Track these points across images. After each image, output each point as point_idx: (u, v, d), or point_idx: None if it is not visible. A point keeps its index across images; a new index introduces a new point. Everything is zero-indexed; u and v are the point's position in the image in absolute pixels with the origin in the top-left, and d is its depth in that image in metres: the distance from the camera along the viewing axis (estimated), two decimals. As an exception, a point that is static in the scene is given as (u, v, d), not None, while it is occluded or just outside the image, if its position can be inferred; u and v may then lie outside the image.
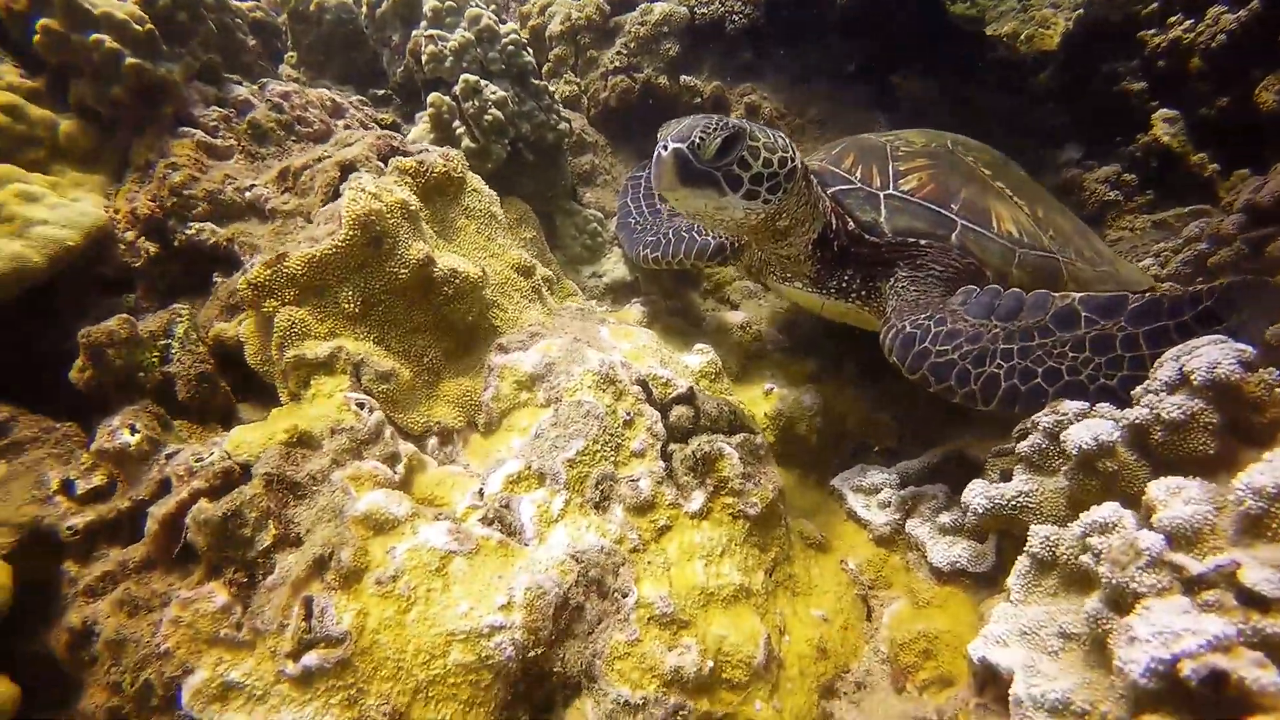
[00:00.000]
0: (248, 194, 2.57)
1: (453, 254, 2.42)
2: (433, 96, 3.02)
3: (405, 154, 2.57)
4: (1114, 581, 1.50)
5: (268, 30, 3.55)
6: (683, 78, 3.77)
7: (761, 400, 3.04)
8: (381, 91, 3.61)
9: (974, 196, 2.65)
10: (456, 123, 3.03)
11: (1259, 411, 1.81)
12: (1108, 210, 3.77)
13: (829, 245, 2.56)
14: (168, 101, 2.65)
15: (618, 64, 3.78)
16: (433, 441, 2.30)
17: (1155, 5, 3.87)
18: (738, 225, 2.34)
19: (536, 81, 3.22)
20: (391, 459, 2.11)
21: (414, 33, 3.14)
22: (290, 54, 3.62)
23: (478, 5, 3.11)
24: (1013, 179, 2.89)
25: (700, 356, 2.87)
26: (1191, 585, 1.44)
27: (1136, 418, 1.87)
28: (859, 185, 2.66)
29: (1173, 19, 3.79)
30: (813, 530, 2.59)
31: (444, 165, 2.52)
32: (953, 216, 2.58)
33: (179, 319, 2.33)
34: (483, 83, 3.02)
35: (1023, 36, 4.72)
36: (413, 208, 2.29)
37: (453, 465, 2.26)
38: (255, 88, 2.92)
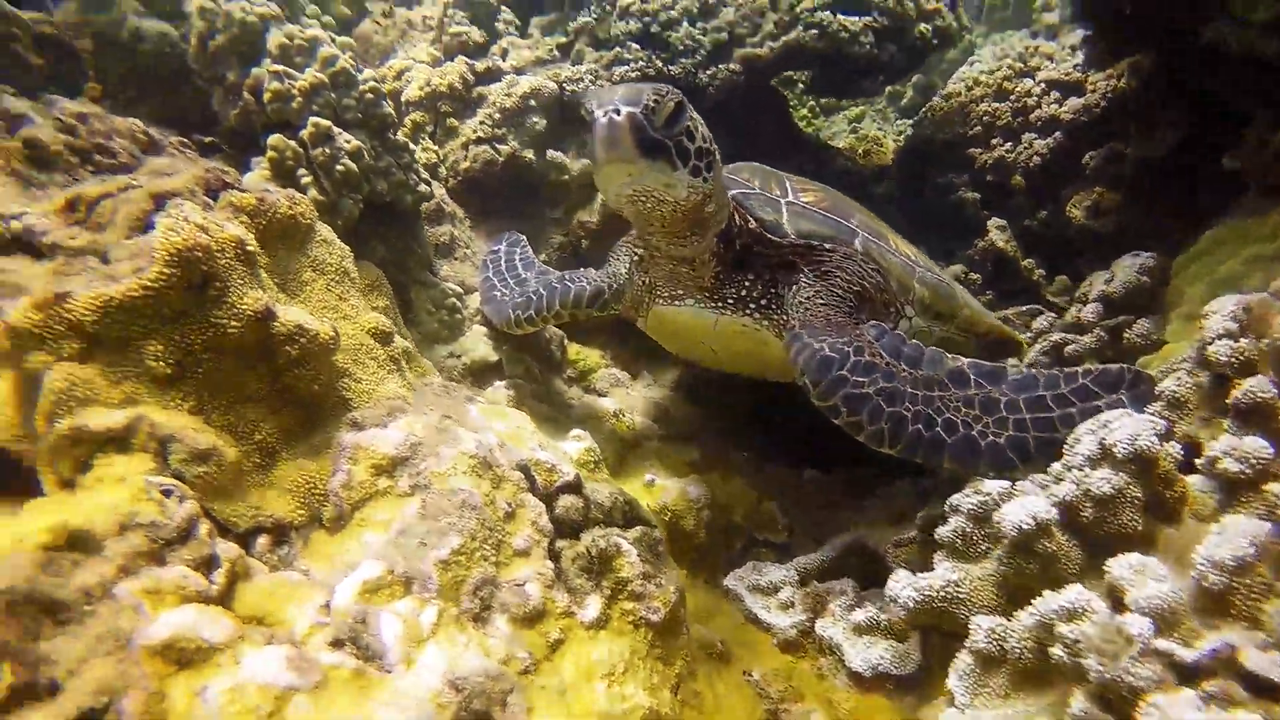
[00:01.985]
0: (13, 223, 2.01)
1: (299, 308, 1.99)
2: (274, 139, 2.61)
3: (241, 191, 2.14)
4: (1105, 676, 1.33)
5: (61, 51, 2.99)
6: (549, 153, 3.60)
7: (644, 493, 2.76)
8: (208, 139, 3.12)
9: (869, 221, 2.69)
10: (302, 171, 2.64)
11: (1168, 486, 1.79)
12: (955, 308, 3.97)
13: (731, 244, 2.39)
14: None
15: (481, 134, 3.56)
16: (262, 540, 1.79)
17: (979, 129, 4.26)
18: (671, 211, 2.14)
19: (396, 137, 2.90)
20: (207, 564, 1.59)
21: (256, 70, 2.75)
22: (91, 85, 3.06)
23: (331, 47, 2.78)
24: (891, 228, 2.98)
25: (577, 443, 2.55)
26: (1186, 675, 1.30)
27: (1067, 495, 1.79)
28: (759, 191, 2.59)
29: (995, 140, 4.18)
30: (712, 637, 2.29)
31: (289, 207, 2.11)
32: (854, 227, 2.57)
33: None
34: (335, 129, 2.67)
35: (860, 151, 5.07)
36: (250, 248, 1.86)
37: (289, 571, 1.76)
38: (39, 104, 2.38)
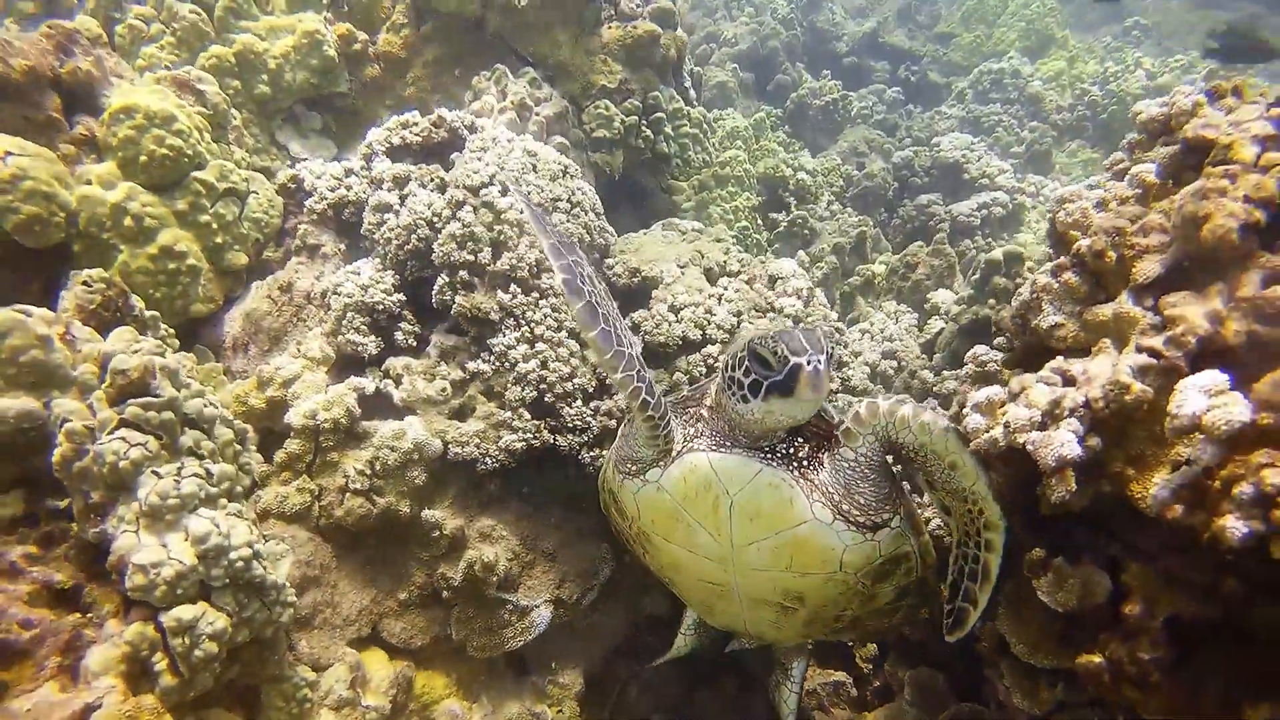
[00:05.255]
0: None
1: None
2: (132, 632, 2.64)
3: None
4: None
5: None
6: (425, 513, 3.70)
7: None
8: (64, 503, 3.05)
9: None
10: (158, 657, 2.69)
11: None
12: None
13: None
14: None
15: (359, 485, 3.60)
16: None
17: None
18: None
19: (264, 575, 2.96)
20: None
21: (120, 539, 2.72)
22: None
23: (203, 518, 2.79)
24: None
25: None
26: None
27: None
28: None
29: None
30: None
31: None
32: None
33: None
34: (199, 615, 2.71)
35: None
36: None
37: None
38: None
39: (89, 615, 2.85)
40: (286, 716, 3.28)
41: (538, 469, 3.97)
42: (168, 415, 2.90)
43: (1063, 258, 2.45)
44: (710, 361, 3.92)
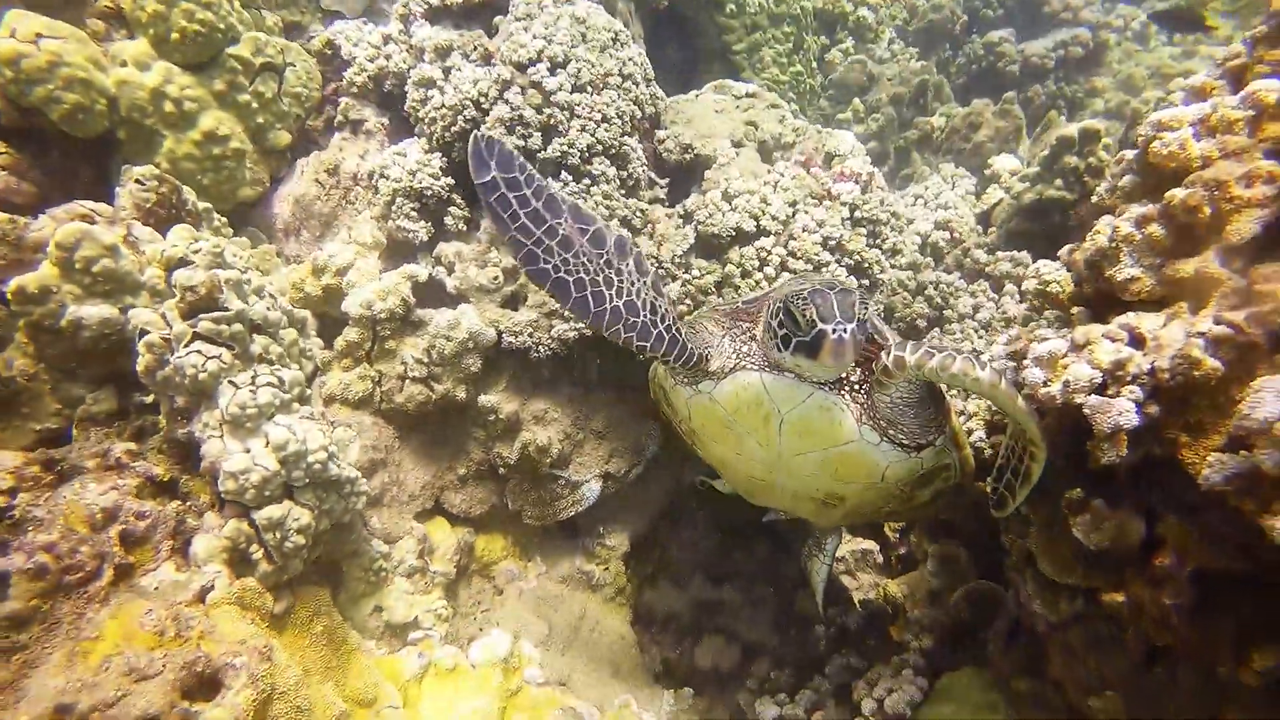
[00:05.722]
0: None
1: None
2: (230, 528, 2.91)
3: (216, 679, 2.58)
4: None
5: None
6: (480, 398, 3.86)
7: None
8: (150, 398, 3.25)
9: None
10: (254, 548, 2.97)
11: None
12: None
13: None
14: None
15: (417, 373, 3.75)
16: None
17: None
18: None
19: (340, 472, 3.19)
20: None
21: (209, 445, 2.91)
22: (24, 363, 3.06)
23: (280, 423, 2.95)
24: None
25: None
26: None
27: None
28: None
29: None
30: None
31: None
32: None
33: None
34: (286, 512, 2.96)
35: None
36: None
37: None
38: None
39: (188, 504, 3.12)
40: (365, 586, 3.65)
41: (589, 354, 4.07)
42: (237, 327, 3.00)
43: (1150, 207, 2.31)
44: (763, 255, 3.86)
